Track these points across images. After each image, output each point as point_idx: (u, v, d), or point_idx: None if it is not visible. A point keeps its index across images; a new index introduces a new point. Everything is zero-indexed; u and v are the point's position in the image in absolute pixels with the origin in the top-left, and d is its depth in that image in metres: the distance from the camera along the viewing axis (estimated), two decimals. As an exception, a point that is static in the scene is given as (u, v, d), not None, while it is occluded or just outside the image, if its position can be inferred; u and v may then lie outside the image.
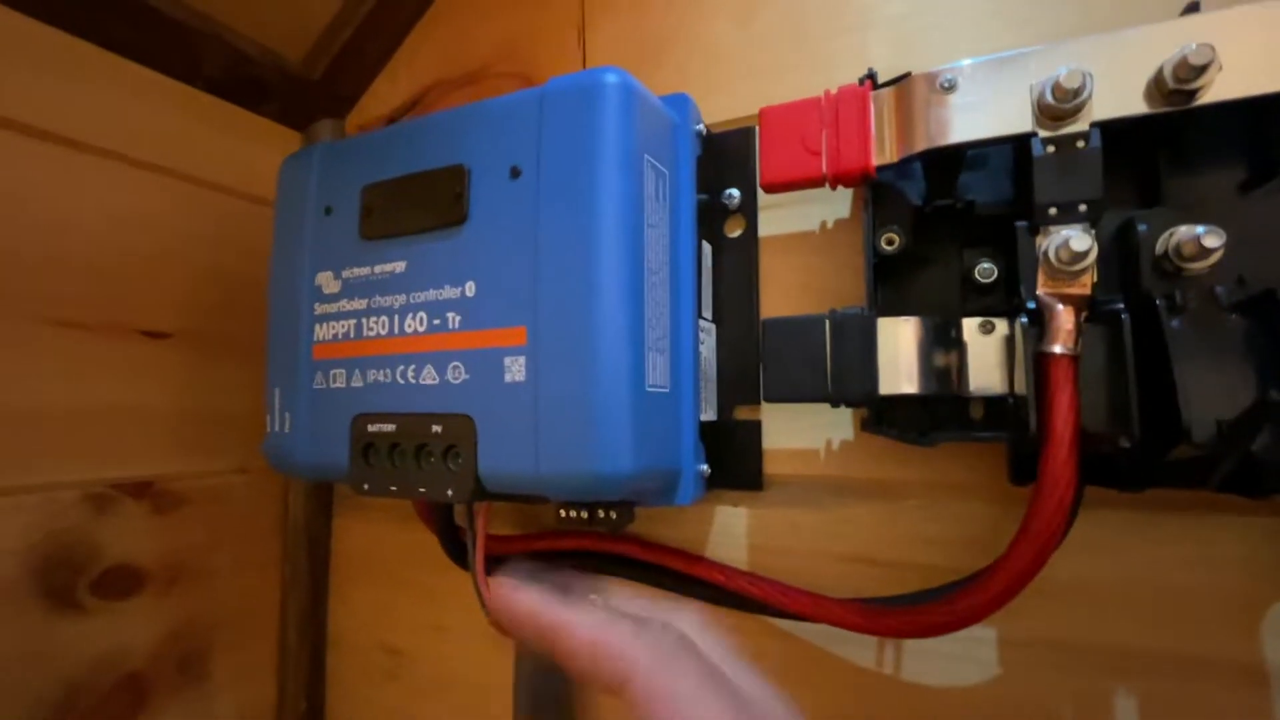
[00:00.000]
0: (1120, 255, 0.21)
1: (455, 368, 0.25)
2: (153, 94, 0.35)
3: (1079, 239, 0.20)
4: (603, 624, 0.20)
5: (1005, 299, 0.24)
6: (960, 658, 0.25)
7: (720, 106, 0.31)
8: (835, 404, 0.24)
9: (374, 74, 0.42)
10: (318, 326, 0.29)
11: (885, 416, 0.25)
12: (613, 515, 0.25)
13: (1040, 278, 0.21)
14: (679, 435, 0.26)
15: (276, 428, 0.30)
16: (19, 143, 0.30)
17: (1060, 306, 0.20)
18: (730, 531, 0.30)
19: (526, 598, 0.24)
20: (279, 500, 0.40)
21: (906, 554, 0.26)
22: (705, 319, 0.29)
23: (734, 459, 0.29)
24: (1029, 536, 0.20)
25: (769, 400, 0.25)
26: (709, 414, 0.29)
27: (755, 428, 0.29)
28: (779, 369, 0.25)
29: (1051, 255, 0.20)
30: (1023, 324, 0.21)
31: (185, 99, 0.36)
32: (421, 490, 0.26)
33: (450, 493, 0.25)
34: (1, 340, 0.29)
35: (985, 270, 0.24)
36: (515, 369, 0.24)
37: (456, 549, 0.32)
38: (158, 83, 0.35)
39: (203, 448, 0.36)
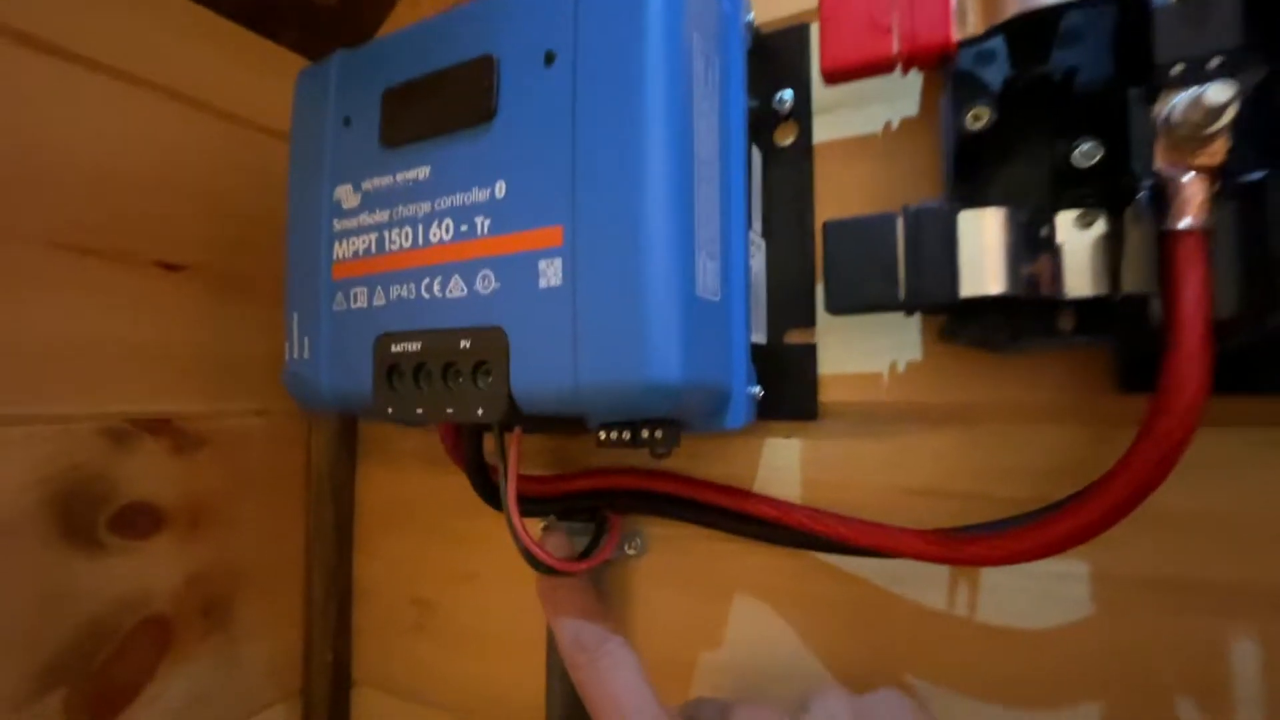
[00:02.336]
0: (1260, 119, 0.18)
1: (484, 277, 0.23)
2: (172, 16, 0.33)
3: (1218, 90, 0.17)
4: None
5: (1107, 188, 0.21)
6: (1045, 596, 0.23)
7: (771, 3, 0.28)
8: (909, 311, 0.22)
9: (395, 0, 0.40)
10: (337, 244, 0.27)
11: (963, 330, 0.22)
12: (658, 435, 0.22)
13: (1159, 150, 0.18)
14: (729, 351, 0.24)
15: (295, 354, 0.28)
16: (31, 58, 0.28)
17: (1187, 177, 0.17)
18: (781, 466, 0.27)
19: (569, 631, 0.25)
20: (301, 446, 0.39)
21: (983, 485, 0.24)
22: (755, 232, 0.26)
23: (785, 386, 0.27)
24: (1153, 440, 0.17)
25: (832, 312, 0.23)
26: (758, 336, 0.26)
27: (809, 352, 0.27)
28: (844, 276, 0.22)
29: (1177, 119, 0.17)
30: (1140, 201, 0.18)
31: (204, 23, 0.35)
32: (449, 411, 0.24)
33: (480, 412, 0.23)
34: (14, 265, 0.28)
35: (1087, 152, 0.21)
36: (551, 273, 0.22)
37: (488, 489, 0.30)
38: (177, 4, 0.33)
39: (221, 387, 0.35)
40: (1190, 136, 0.17)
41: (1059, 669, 0.22)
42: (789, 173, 0.28)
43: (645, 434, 0.22)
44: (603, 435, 0.23)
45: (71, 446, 0.29)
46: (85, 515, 0.29)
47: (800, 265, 0.27)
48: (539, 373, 0.22)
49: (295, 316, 0.28)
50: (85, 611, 0.29)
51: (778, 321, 0.27)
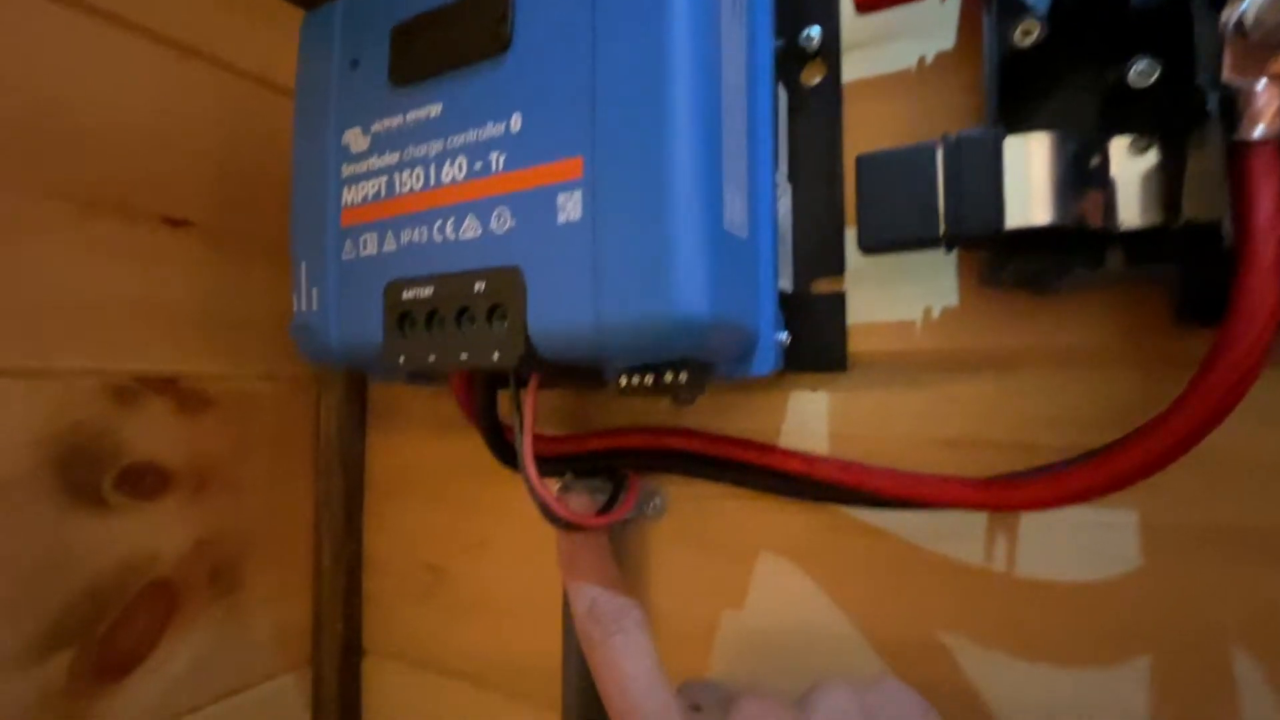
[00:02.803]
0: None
1: (500, 215, 0.22)
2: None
3: (1299, -17, 0.15)
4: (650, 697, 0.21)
5: (1164, 109, 0.19)
6: (1089, 548, 0.21)
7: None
8: (949, 246, 0.21)
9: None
10: (345, 190, 0.26)
11: (1005, 269, 0.21)
12: (682, 378, 0.21)
13: (1228, 60, 0.17)
14: (756, 291, 0.22)
15: (303, 306, 0.27)
16: (34, 5, 0.27)
17: (1260, 85, 0.16)
18: (807, 420, 0.26)
19: (586, 598, 0.24)
20: (310, 412, 0.38)
21: (1025, 435, 0.22)
22: (781, 175, 0.25)
23: (813, 337, 0.26)
24: (1222, 368, 0.16)
25: (865, 251, 0.22)
26: (785, 284, 0.25)
27: (838, 300, 0.26)
28: (877, 211, 0.21)
29: (1251, 22, 0.16)
30: (1205, 118, 0.17)
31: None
32: (464, 356, 0.23)
33: (496, 355, 0.22)
34: (14, 215, 0.27)
35: (1143, 70, 0.19)
36: (570, 207, 0.21)
37: (502, 447, 0.30)
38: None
39: (228, 349, 0.34)
40: (1264, 42, 0.16)
41: (1105, 623, 0.21)
42: (816, 114, 0.26)
43: (669, 378, 0.21)
44: (623, 382, 0.22)
45: (75, 403, 0.28)
46: (89, 473, 0.29)
47: (828, 211, 0.26)
48: (557, 312, 0.21)
49: (303, 267, 0.27)
50: (90, 572, 0.28)
51: (804, 270, 0.26)
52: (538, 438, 0.30)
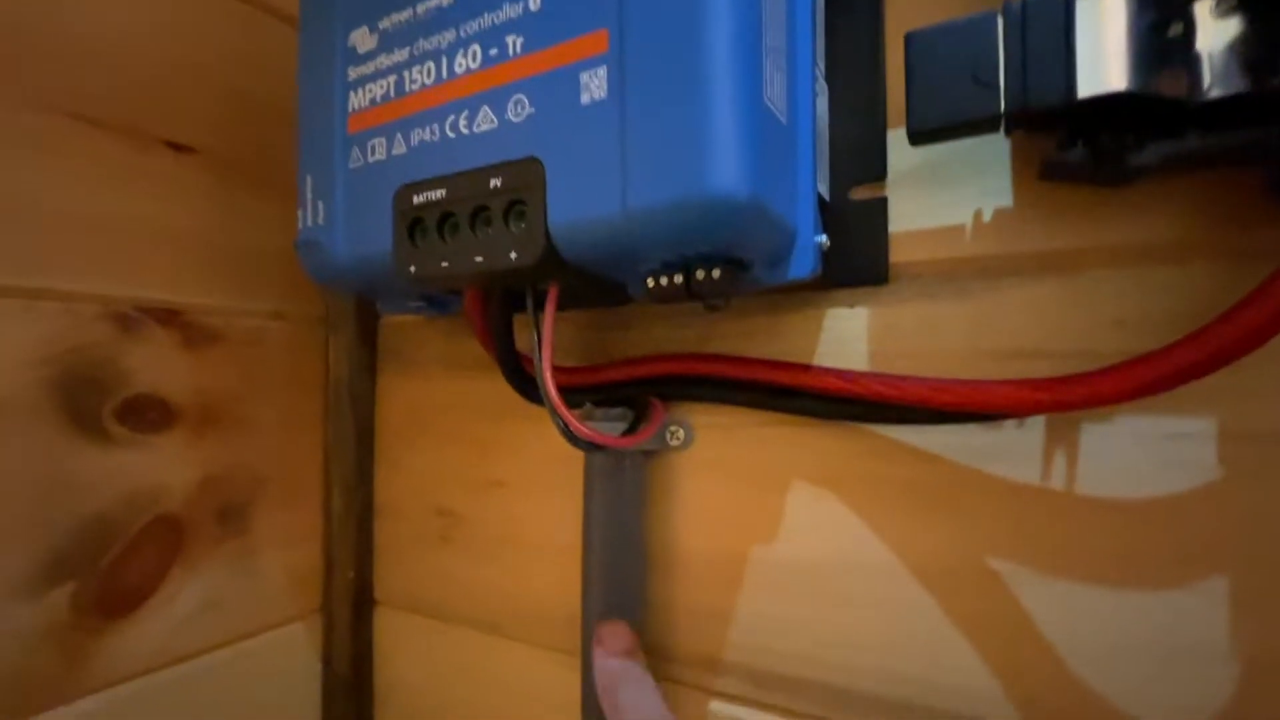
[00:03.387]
0: None
1: (518, 102, 0.20)
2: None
3: None
4: None
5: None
6: (1159, 461, 0.20)
7: None
8: (1011, 125, 0.19)
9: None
10: (352, 94, 0.25)
11: (1071, 153, 0.19)
12: (715, 275, 0.20)
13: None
14: (795, 185, 0.21)
15: (309, 221, 0.26)
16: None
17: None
18: (845, 339, 0.24)
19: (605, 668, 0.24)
20: (319, 354, 0.37)
21: (1088, 341, 0.21)
22: (819, 72, 0.23)
23: (851, 248, 0.24)
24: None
25: (917, 136, 0.20)
26: (821, 189, 0.23)
27: (879, 207, 0.24)
28: (930, 90, 0.19)
29: None
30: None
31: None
32: (479, 260, 0.21)
33: (514, 255, 0.20)
34: (10, 127, 0.25)
35: (1235, -84, 0.17)
36: (595, 85, 0.19)
37: (520, 378, 0.28)
38: None
39: (235, 283, 0.33)
40: None
41: (1176, 543, 0.19)
42: (857, 6, 0.24)
43: (700, 275, 0.20)
44: (650, 283, 0.21)
45: (75, 327, 0.27)
46: (91, 402, 0.27)
47: (869, 112, 0.24)
48: (581, 203, 0.19)
49: (309, 180, 0.26)
50: (93, 503, 0.27)
51: (842, 177, 0.24)
52: (556, 369, 0.28)
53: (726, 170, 0.17)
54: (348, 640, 0.36)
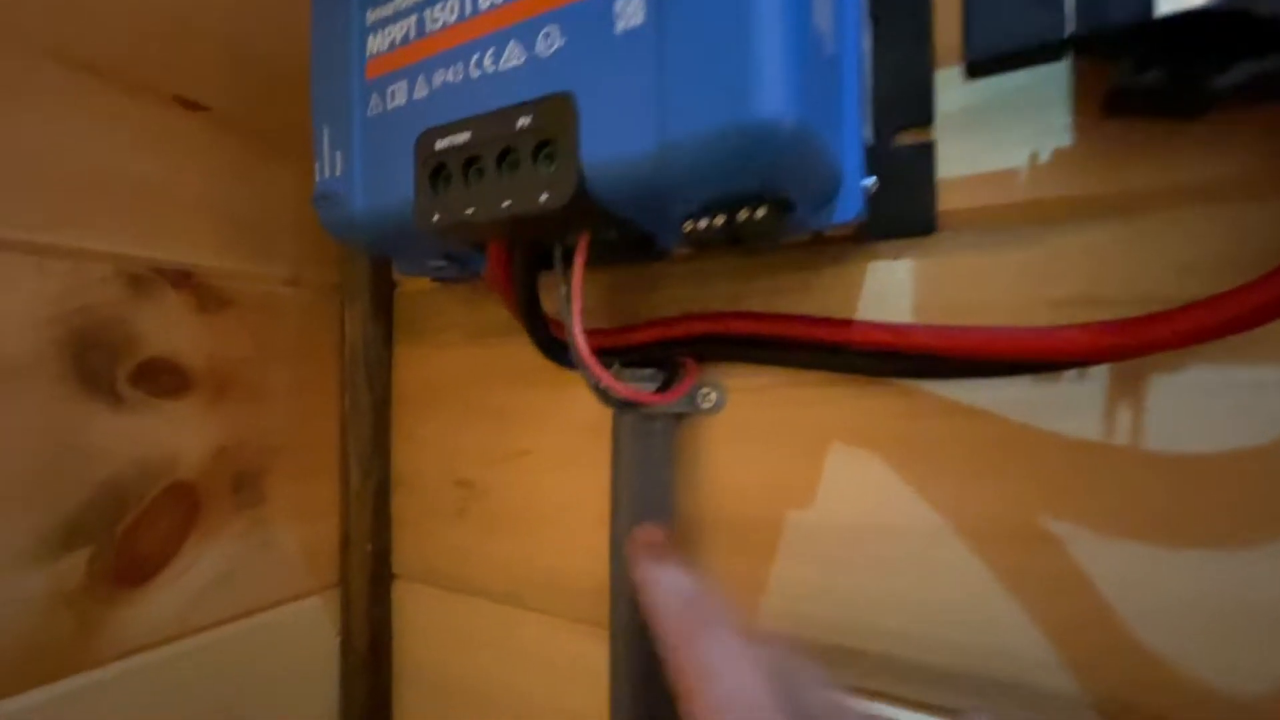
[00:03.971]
0: None
1: (547, 35, 0.19)
2: None
3: None
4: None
5: None
6: (1236, 412, 0.18)
7: None
8: (1079, 50, 0.17)
9: None
10: (370, 39, 0.24)
11: (1144, 80, 0.18)
12: (759, 214, 0.18)
13: None
14: (841, 121, 0.20)
15: (326, 173, 0.25)
16: None
17: None
18: (888, 294, 0.23)
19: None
20: (335, 322, 0.36)
21: (1153, 285, 0.19)
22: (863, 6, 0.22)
23: (894, 196, 0.22)
24: None
25: (975, 64, 0.18)
26: (864, 132, 0.22)
27: (925, 152, 0.22)
28: (991, 13, 0.18)
29: None
30: None
31: None
32: (506, 204, 0.20)
33: (545, 197, 0.19)
34: (17, 74, 0.25)
35: None
36: (630, 11, 0.18)
37: (545, 338, 0.27)
38: None
39: (248, 247, 0.32)
40: None
41: (1250, 501, 0.18)
42: (899, -54, 0.23)
43: (743, 216, 0.18)
44: (688, 227, 0.19)
45: (86, 285, 0.26)
46: (103, 363, 0.27)
47: (915, 51, 0.23)
48: (615, 138, 0.18)
49: (325, 131, 0.25)
50: (107, 467, 0.27)
51: (886, 121, 0.23)
52: (586, 332, 0.27)
53: (774, 94, 0.16)
54: (365, 614, 0.35)
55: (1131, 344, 0.17)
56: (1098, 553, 0.20)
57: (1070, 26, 0.17)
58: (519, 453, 0.32)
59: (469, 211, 0.21)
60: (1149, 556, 0.19)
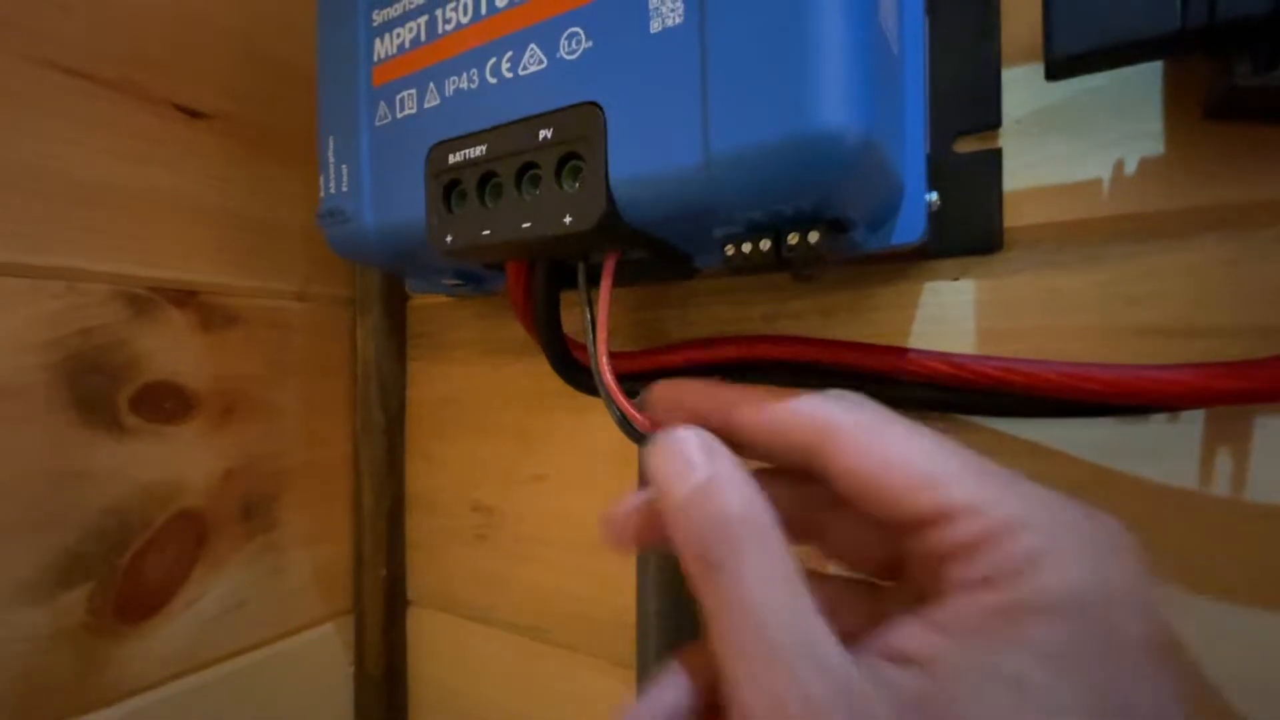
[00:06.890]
0: None
1: (571, 36, 0.17)
2: None
3: None
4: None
5: None
6: (1362, 464, 0.16)
7: None
8: (1190, 46, 0.15)
9: None
10: (377, 42, 0.22)
11: (1267, 77, 0.15)
12: (812, 238, 0.16)
13: None
14: (904, 129, 0.17)
15: (332, 188, 0.23)
16: None
17: None
18: (948, 316, 0.21)
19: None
20: (346, 338, 0.34)
21: (1260, 313, 0.17)
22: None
23: (956, 210, 0.20)
24: None
25: (1059, 66, 0.16)
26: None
27: (991, 160, 0.20)
28: (1079, 4, 0.16)
29: None
30: None
31: None
32: (526, 227, 0.18)
33: (569, 219, 0.17)
34: (9, 84, 0.23)
35: None
36: (667, 8, 0.16)
37: (565, 362, 0.25)
38: None
39: (254, 261, 0.31)
40: None
41: (1381, 563, 0.16)
42: (959, -70, 0.21)
43: (793, 239, 0.16)
44: (730, 250, 0.17)
45: (83, 307, 0.25)
46: (103, 389, 0.25)
47: (978, 49, 0.20)
48: (650, 153, 0.16)
49: (331, 142, 0.23)
50: (108, 497, 0.25)
51: (945, 126, 0.21)
52: (611, 355, 0.25)
53: (838, 101, 0.14)
54: (380, 642, 0.34)
55: (1262, 390, 0.14)
56: (1197, 617, 0.18)
57: (1183, 16, 0.15)
58: (538, 477, 0.30)
59: (485, 233, 0.19)
60: (1250, 618, 0.17)
